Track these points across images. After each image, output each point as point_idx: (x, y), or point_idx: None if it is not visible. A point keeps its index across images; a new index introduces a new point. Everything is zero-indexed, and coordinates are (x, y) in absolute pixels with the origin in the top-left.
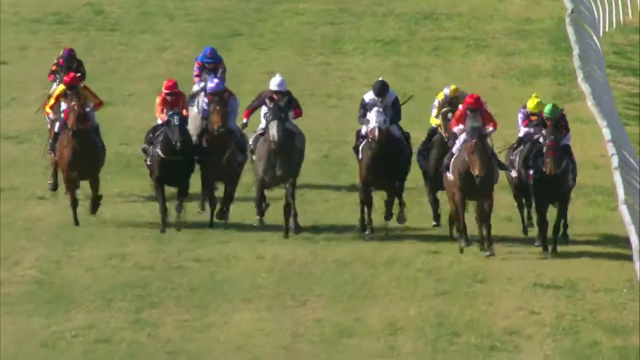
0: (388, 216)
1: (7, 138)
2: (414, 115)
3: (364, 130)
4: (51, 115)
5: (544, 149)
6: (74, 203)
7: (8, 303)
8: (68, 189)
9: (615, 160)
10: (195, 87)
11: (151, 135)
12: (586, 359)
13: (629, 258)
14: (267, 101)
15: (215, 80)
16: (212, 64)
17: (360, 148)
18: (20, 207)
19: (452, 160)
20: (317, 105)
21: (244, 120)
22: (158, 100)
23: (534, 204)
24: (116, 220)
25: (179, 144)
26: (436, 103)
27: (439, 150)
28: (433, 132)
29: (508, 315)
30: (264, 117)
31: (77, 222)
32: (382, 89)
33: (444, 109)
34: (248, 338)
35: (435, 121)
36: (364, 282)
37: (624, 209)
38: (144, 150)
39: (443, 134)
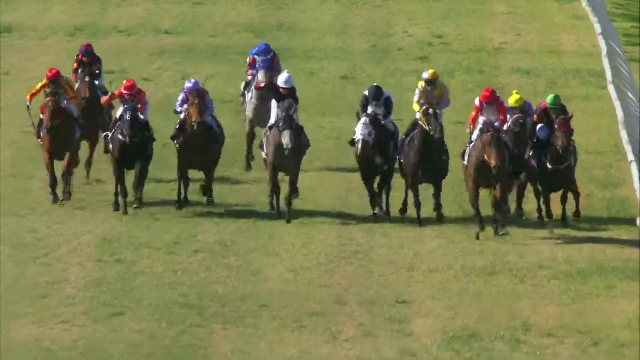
0: (386, 202)
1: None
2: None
3: (359, 129)
4: (28, 103)
5: (555, 126)
6: (53, 181)
7: None
8: (48, 168)
9: (604, 49)
10: (249, 77)
11: (113, 124)
12: (582, 208)
13: (615, 126)
14: (279, 104)
15: (193, 80)
16: (262, 59)
17: (356, 141)
18: None
19: (468, 149)
20: None
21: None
22: (115, 93)
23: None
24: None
25: (128, 138)
26: (417, 91)
27: (419, 146)
28: (414, 125)
29: None
30: (276, 122)
31: (55, 200)
32: (376, 93)
33: (425, 106)
34: None
35: (417, 107)
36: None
37: (611, 88)
38: (105, 137)
39: (425, 128)
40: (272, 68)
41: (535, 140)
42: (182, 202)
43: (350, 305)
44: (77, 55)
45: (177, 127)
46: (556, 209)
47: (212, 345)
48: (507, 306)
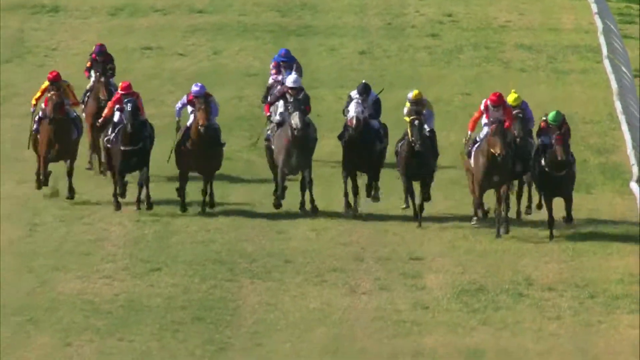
0: (368, 194)
1: None
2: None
3: (347, 119)
4: (32, 108)
5: (552, 141)
6: (46, 180)
7: None
8: (43, 165)
9: (600, 27)
10: (270, 81)
11: (112, 128)
12: (578, 173)
13: (610, 97)
14: (288, 96)
15: (199, 85)
16: (287, 62)
17: (342, 136)
18: None
19: (474, 148)
20: None
21: (267, 114)
22: (111, 103)
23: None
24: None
25: (129, 125)
26: (406, 110)
27: (407, 153)
28: (405, 134)
29: None
30: (282, 111)
31: (39, 187)
32: (364, 89)
33: (412, 117)
34: None
35: (407, 119)
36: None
37: (606, 62)
38: (107, 141)
39: (410, 139)
40: (298, 70)
41: (537, 145)
42: (186, 209)
43: (367, 261)
44: (91, 55)
45: (183, 132)
46: (557, 212)
47: (241, 298)
48: (511, 263)
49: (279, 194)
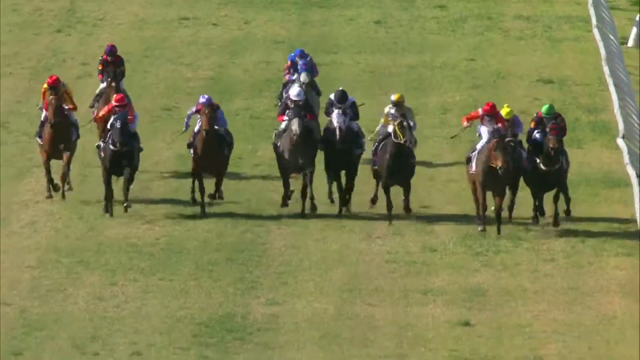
0: (344, 198)
1: None
2: None
3: (331, 126)
4: (40, 105)
5: (547, 130)
6: (50, 180)
7: None
8: (45, 166)
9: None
10: (287, 78)
11: (105, 134)
12: (569, 131)
13: (599, 63)
14: (288, 102)
15: (206, 97)
16: (303, 62)
17: (332, 129)
18: None
19: (475, 155)
20: None
21: (282, 124)
22: (106, 108)
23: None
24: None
25: (118, 144)
26: (386, 109)
27: (392, 153)
28: (386, 135)
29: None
30: (287, 116)
31: (50, 195)
32: (342, 97)
33: (400, 120)
34: None
35: (386, 120)
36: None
37: (596, 31)
38: (98, 147)
39: (398, 140)
40: (312, 69)
41: (531, 143)
42: (195, 201)
43: (382, 209)
44: (103, 56)
45: (192, 136)
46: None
47: (269, 241)
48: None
49: (285, 195)
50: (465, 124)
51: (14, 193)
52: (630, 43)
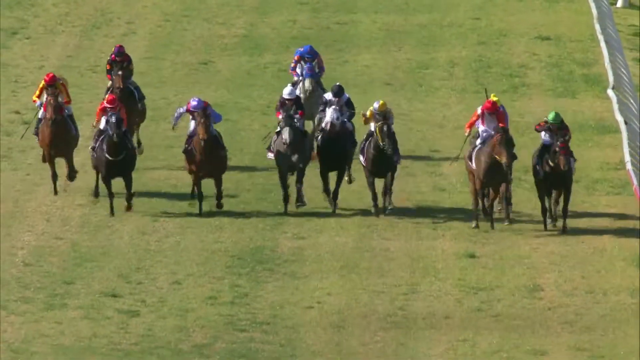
0: (335, 193)
1: None
2: None
3: (323, 124)
4: (37, 103)
5: (557, 149)
6: (54, 176)
7: None
8: (49, 163)
9: None
10: (295, 78)
11: (97, 136)
12: (565, 82)
13: (591, 21)
14: (279, 105)
15: (197, 99)
16: (310, 58)
17: (319, 137)
18: None
19: (475, 152)
20: None
21: (279, 118)
22: (98, 108)
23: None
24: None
25: (115, 135)
26: (368, 112)
27: (374, 152)
28: (370, 134)
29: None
30: (280, 121)
31: (56, 192)
32: (339, 91)
33: (381, 123)
34: None
35: (371, 114)
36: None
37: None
38: (92, 149)
39: (380, 143)
40: (317, 73)
41: (540, 146)
42: (200, 198)
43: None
44: (111, 56)
45: (186, 141)
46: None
47: (294, 183)
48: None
49: (284, 196)
50: (467, 131)
51: None
52: (619, 4)
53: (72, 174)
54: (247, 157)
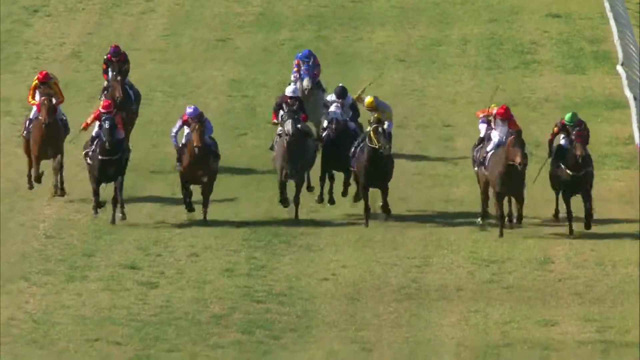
0: (345, 192)
1: None
2: None
3: (325, 123)
4: (34, 110)
5: (573, 137)
6: (38, 178)
7: None
8: (35, 165)
9: None
10: (293, 78)
11: (91, 141)
12: (575, 59)
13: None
14: (284, 105)
15: (193, 107)
16: (308, 60)
17: (323, 136)
18: None
19: (489, 158)
20: None
21: (274, 121)
22: (93, 115)
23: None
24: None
25: (107, 143)
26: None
27: (368, 157)
28: (364, 138)
29: None
30: (281, 118)
31: (31, 187)
32: (342, 93)
33: (375, 125)
34: None
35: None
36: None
37: None
38: (86, 154)
39: (375, 144)
40: (314, 73)
41: (557, 148)
42: (190, 208)
43: (409, 128)
44: (107, 55)
45: (179, 150)
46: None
47: None
48: (523, 129)
49: (281, 199)
50: (480, 116)
51: (85, 114)
52: None
53: (57, 176)
54: (263, 133)
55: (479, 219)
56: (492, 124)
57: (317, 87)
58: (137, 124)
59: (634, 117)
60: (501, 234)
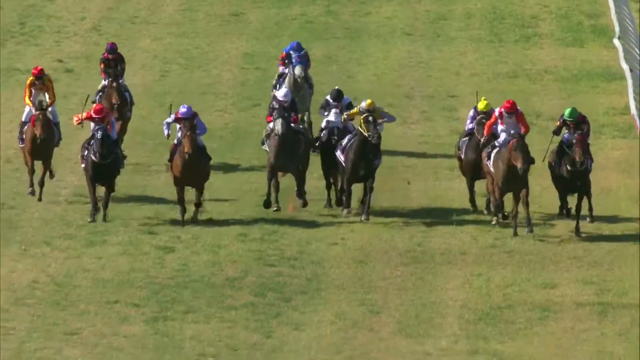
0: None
1: None
2: None
3: (323, 124)
4: (26, 110)
5: (573, 141)
6: (32, 172)
7: None
8: (28, 166)
9: None
10: (281, 70)
11: (86, 145)
12: (574, 32)
13: None
14: (275, 104)
15: (187, 106)
16: (297, 55)
17: (321, 137)
18: None
19: (494, 154)
20: None
21: (270, 124)
22: (86, 114)
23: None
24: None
25: (98, 154)
26: (357, 107)
27: (357, 149)
28: (355, 133)
29: None
30: (273, 117)
31: (34, 193)
32: (338, 95)
33: (365, 114)
34: None
35: (356, 112)
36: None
37: None
38: (82, 157)
39: (365, 133)
40: (306, 63)
41: (559, 144)
42: (182, 211)
43: (415, 98)
44: (104, 54)
45: (172, 149)
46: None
47: None
48: (524, 100)
49: (266, 201)
50: (486, 134)
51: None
52: None
53: (49, 175)
54: None
55: (494, 219)
56: (500, 120)
57: (305, 82)
58: (155, 94)
59: (630, 89)
60: (496, 222)
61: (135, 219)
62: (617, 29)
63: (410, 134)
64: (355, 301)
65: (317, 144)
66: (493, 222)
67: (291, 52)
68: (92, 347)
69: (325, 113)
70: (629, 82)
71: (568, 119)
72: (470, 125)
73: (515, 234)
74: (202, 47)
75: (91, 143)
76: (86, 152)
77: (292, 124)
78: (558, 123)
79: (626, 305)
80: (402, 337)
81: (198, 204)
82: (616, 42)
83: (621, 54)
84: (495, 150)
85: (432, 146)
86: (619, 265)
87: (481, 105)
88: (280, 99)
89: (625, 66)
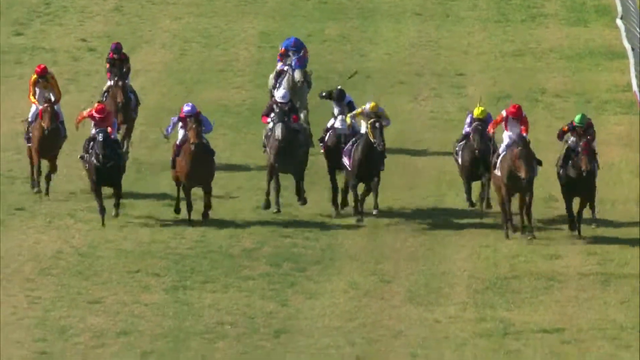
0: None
1: None
2: None
3: (329, 124)
4: (35, 104)
5: (579, 149)
6: (39, 173)
7: None
8: (35, 164)
9: None
10: (279, 66)
11: (87, 145)
12: (577, 12)
13: None
14: (275, 107)
15: (191, 105)
16: (295, 50)
17: (326, 139)
18: None
19: (499, 160)
20: None
21: (267, 125)
22: (87, 113)
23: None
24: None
25: (101, 156)
26: (360, 109)
27: (363, 152)
28: (358, 137)
29: None
30: (272, 119)
31: (41, 190)
32: (340, 95)
33: (372, 120)
34: None
35: (360, 116)
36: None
37: None
38: (82, 158)
39: (373, 140)
40: (305, 63)
41: (566, 149)
42: (178, 211)
43: (425, 76)
44: (109, 54)
45: (175, 149)
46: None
47: None
48: (530, 77)
49: (265, 202)
50: (492, 131)
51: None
52: None
53: (52, 172)
54: None
55: (506, 233)
56: (504, 124)
57: (305, 80)
58: (174, 71)
59: (632, 67)
60: (507, 236)
61: (156, 191)
62: (619, 9)
63: (421, 110)
64: (368, 271)
65: (320, 144)
66: (507, 234)
67: (290, 52)
68: (114, 314)
69: (332, 121)
70: (631, 60)
71: (578, 125)
72: (467, 129)
73: (523, 233)
74: (220, 26)
75: (92, 146)
76: (87, 155)
77: (291, 125)
78: (565, 128)
79: (627, 274)
80: (412, 305)
81: (207, 206)
82: (619, 22)
83: (623, 34)
84: (501, 156)
85: (441, 122)
86: (620, 237)
87: (477, 112)
88: (279, 100)
89: (627, 45)
